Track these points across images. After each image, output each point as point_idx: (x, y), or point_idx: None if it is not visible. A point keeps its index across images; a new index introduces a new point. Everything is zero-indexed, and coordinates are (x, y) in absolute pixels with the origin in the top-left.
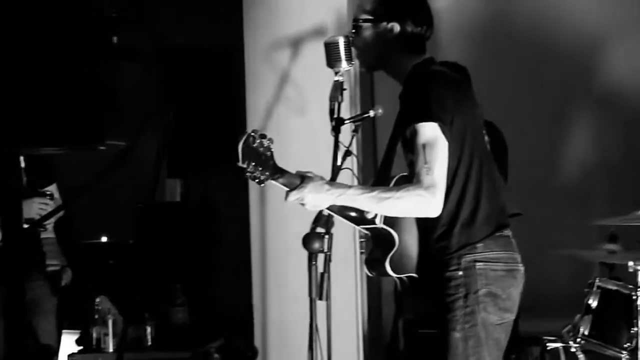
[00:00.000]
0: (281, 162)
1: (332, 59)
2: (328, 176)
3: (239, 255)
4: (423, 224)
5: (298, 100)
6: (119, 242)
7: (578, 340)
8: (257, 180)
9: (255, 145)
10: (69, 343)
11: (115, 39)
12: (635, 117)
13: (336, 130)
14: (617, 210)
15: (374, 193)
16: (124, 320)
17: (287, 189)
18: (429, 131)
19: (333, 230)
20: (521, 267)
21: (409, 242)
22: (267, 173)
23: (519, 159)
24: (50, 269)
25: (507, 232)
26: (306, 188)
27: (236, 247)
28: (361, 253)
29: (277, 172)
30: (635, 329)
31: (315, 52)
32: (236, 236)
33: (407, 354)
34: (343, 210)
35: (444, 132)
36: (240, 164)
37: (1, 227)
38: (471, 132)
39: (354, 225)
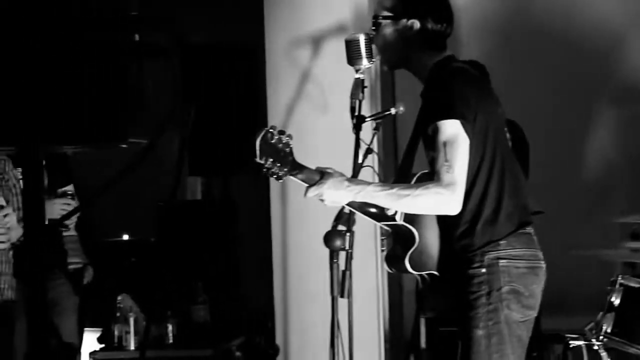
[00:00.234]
0: (302, 159)
1: (352, 57)
2: (349, 174)
3: (260, 253)
4: (444, 221)
5: (319, 98)
6: (141, 240)
7: (601, 338)
8: (275, 176)
9: (273, 141)
10: (90, 341)
11: (137, 36)
12: None
13: (357, 128)
14: None
15: (394, 190)
16: (145, 318)
17: (307, 185)
18: (450, 128)
19: (354, 228)
20: (543, 265)
21: (430, 240)
22: (286, 169)
23: (540, 157)
24: (71, 267)
25: (530, 229)
26: (325, 184)
27: (257, 244)
28: (382, 250)
29: (296, 168)
30: None
31: (336, 49)
32: (257, 234)
33: (429, 351)
34: (363, 207)
35: (465, 130)
36: (257, 160)
37: (23, 226)
38: (493, 129)
39: (374, 221)
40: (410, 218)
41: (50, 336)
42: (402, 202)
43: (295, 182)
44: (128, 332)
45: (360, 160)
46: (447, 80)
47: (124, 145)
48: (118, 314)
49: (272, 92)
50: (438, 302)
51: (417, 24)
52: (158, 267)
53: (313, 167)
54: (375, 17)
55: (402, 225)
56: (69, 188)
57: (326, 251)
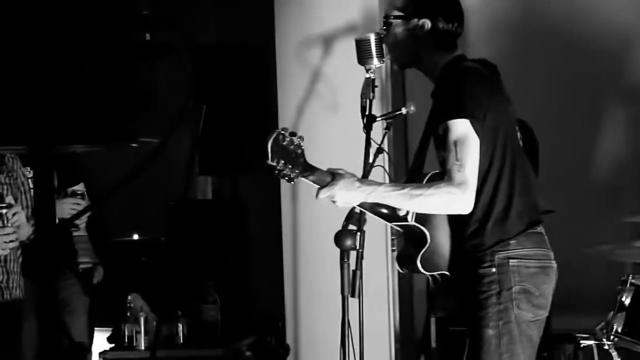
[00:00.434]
0: (313, 159)
1: (363, 56)
2: (360, 174)
3: (271, 253)
4: (455, 221)
5: (329, 97)
6: (151, 240)
7: (611, 337)
8: (286, 178)
9: (285, 143)
10: (100, 341)
11: (147, 36)
12: None
13: (368, 127)
14: None
15: (405, 190)
16: (156, 318)
17: (318, 186)
18: (461, 128)
19: (365, 228)
20: (554, 264)
21: (441, 240)
22: (297, 171)
23: (550, 157)
24: (82, 266)
25: (540, 228)
26: (337, 185)
27: (268, 244)
28: (393, 250)
29: (308, 170)
30: None
31: (346, 49)
32: (268, 234)
33: (439, 351)
34: (374, 207)
35: (475, 129)
36: (269, 161)
37: (33, 225)
38: (504, 128)
39: (385, 222)
40: (421, 218)
41: (61, 336)
42: (414, 202)
43: (306, 183)
44: (138, 332)
45: (371, 160)
46: (458, 79)
47: (134, 145)
48: (128, 314)
49: (282, 92)
50: (449, 301)
51: (428, 24)
52: (168, 267)
53: (324, 167)
54: (387, 16)
55: (414, 225)
56: (79, 187)
57: (337, 251)
